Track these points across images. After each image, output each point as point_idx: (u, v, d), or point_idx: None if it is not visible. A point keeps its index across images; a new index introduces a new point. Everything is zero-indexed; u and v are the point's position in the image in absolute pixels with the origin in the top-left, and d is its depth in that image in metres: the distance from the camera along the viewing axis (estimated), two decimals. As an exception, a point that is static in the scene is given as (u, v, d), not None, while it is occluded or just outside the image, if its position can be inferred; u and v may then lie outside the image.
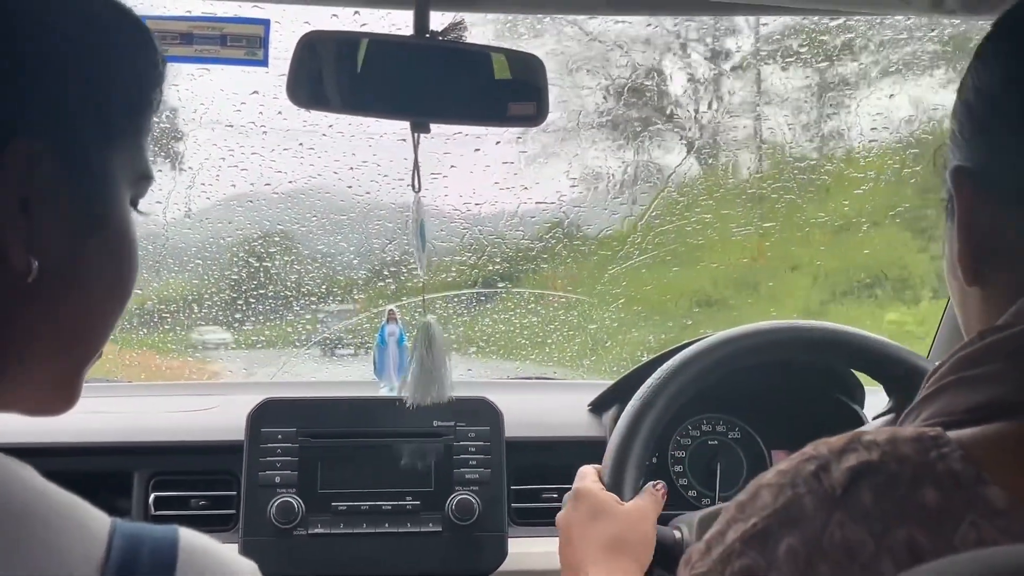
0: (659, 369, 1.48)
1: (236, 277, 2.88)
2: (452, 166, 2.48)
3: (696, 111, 3.36)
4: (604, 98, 3.15)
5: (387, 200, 2.64)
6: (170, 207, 2.64)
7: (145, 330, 2.89)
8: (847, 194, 3.25)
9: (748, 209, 3.36)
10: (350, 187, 2.62)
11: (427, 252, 1.49)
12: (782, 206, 3.30)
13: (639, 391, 1.47)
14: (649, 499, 1.34)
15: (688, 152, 3.27)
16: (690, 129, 3.32)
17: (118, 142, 0.74)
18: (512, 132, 2.40)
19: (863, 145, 3.13)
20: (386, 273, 2.88)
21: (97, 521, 0.67)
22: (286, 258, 2.89)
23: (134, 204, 0.77)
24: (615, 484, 1.38)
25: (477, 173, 2.60)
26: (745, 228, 3.39)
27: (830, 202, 3.35)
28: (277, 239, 2.92)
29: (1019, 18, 0.75)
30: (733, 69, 3.41)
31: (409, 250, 1.57)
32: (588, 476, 1.39)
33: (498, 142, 2.59)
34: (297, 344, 3.12)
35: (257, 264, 2.87)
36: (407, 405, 1.66)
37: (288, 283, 2.89)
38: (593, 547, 1.27)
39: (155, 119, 0.79)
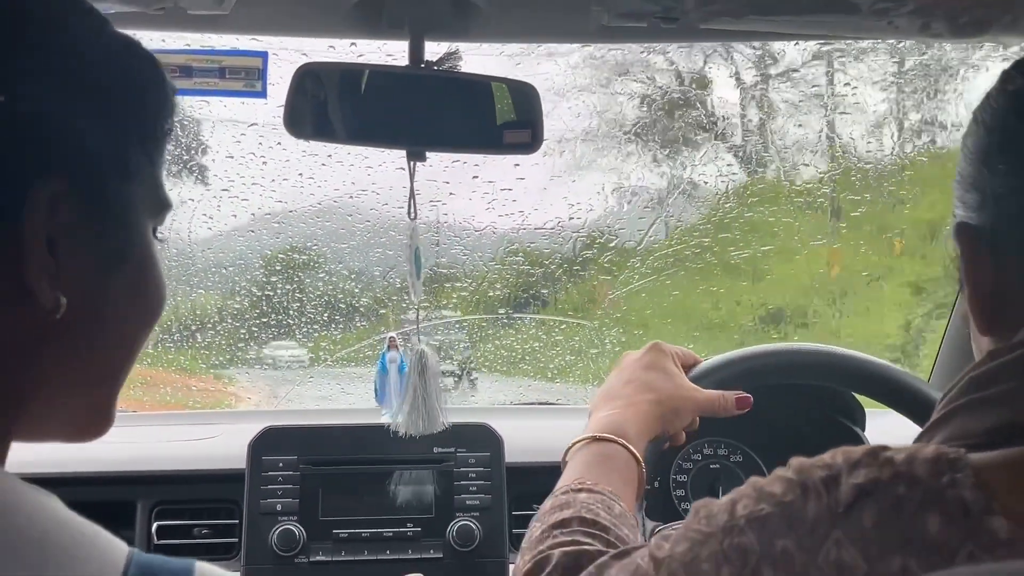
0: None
1: (238, 306, 2.90)
2: (451, 193, 2.50)
3: (743, 117, 3.32)
4: (640, 107, 3.12)
5: (387, 228, 2.65)
6: (173, 231, 2.66)
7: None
8: (936, 197, 3.21)
9: (809, 218, 3.31)
10: (350, 216, 2.64)
11: (422, 279, 1.50)
12: (858, 213, 3.24)
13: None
14: (715, 394, 1.31)
15: (738, 162, 3.22)
16: (736, 137, 3.27)
17: (136, 175, 0.75)
18: (510, 159, 2.41)
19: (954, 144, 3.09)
20: (387, 300, 2.89)
21: (115, 551, 0.68)
22: (288, 287, 2.91)
23: (154, 232, 0.79)
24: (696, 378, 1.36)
25: (476, 200, 2.61)
26: (814, 237, 3.33)
27: (918, 207, 3.31)
28: (279, 267, 2.94)
29: (1009, 85, 0.77)
30: (783, 73, 3.34)
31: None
32: (672, 347, 1.37)
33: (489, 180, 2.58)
34: (301, 371, 3.13)
35: (259, 293, 2.88)
36: (400, 435, 1.66)
37: (291, 311, 2.90)
38: (634, 386, 1.26)
39: (169, 148, 0.81)
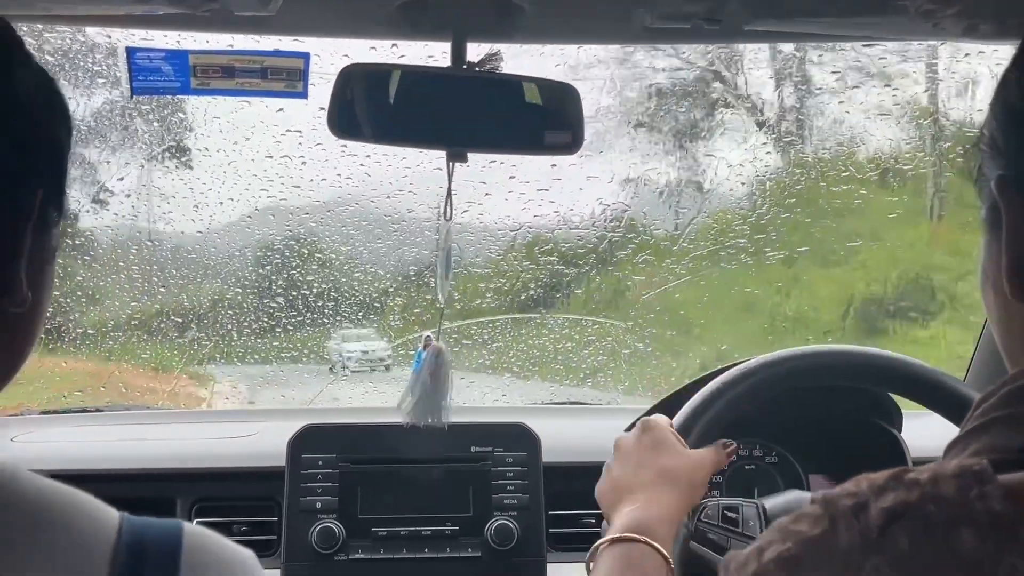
0: (729, 372, 1.48)
1: (274, 304, 2.91)
2: (487, 194, 2.51)
3: (779, 92, 3.22)
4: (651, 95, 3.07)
5: (422, 228, 2.66)
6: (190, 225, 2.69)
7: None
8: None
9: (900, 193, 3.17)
10: (387, 216, 2.65)
11: (450, 280, 1.52)
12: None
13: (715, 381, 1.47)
14: (713, 452, 1.33)
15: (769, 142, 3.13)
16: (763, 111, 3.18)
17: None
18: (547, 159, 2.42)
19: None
20: (420, 300, 2.90)
21: (106, 512, 0.76)
22: (324, 286, 2.92)
23: None
24: (684, 430, 1.39)
25: (512, 200, 2.62)
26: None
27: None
28: (315, 266, 2.96)
29: None
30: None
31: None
32: (661, 418, 1.38)
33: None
34: (334, 370, 3.15)
35: (296, 294, 2.90)
36: (405, 425, 1.72)
37: (326, 310, 2.92)
38: (647, 473, 1.26)
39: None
